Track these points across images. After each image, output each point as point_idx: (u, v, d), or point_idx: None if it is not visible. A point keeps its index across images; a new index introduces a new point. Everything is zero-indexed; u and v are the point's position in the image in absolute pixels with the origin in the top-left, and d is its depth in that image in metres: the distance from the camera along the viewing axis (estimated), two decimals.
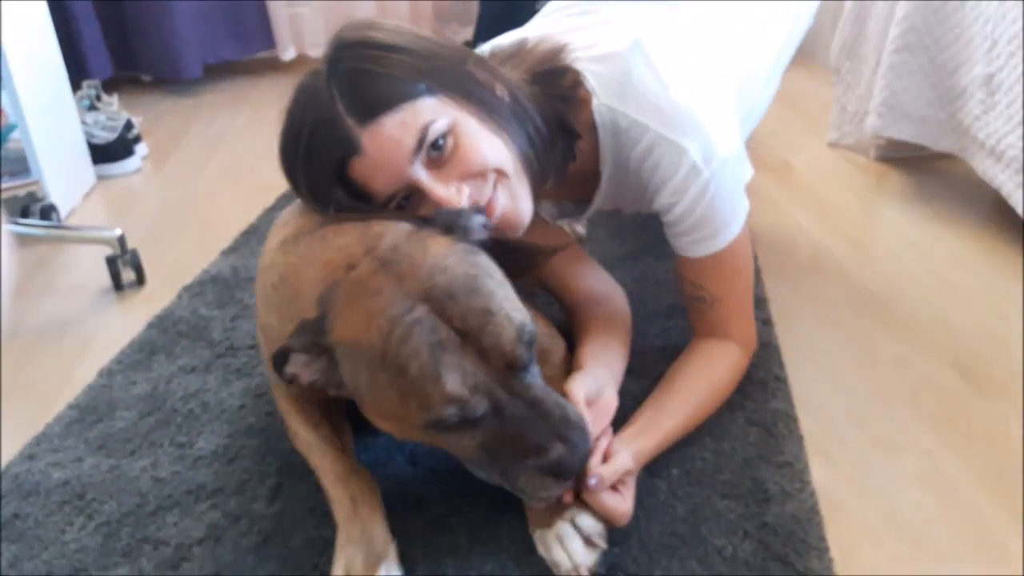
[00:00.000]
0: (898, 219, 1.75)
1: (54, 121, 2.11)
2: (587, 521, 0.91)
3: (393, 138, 0.92)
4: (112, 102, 2.44)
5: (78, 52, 2.87)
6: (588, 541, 0.90)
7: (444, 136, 0.93)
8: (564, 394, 0.94)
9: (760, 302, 1.40)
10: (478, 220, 0.91)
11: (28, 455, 1.17)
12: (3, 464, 1.16)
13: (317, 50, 3.24)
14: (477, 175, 0.96)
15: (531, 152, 1.03)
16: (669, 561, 0.92)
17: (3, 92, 1.93)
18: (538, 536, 0.93)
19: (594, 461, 0.91)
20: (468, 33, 2.78)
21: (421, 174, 0.94)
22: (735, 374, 1.16)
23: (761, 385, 1.19)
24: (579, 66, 1.09)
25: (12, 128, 2.27)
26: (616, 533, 0.95)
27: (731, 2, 1.29)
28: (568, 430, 0.83)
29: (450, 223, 0.89)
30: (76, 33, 2.87)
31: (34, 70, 2.01)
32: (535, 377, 0.86)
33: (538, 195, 1.09)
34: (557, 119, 1.07)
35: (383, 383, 0.81)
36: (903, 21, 1.71)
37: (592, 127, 1.09)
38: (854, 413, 1.16)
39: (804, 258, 1.60)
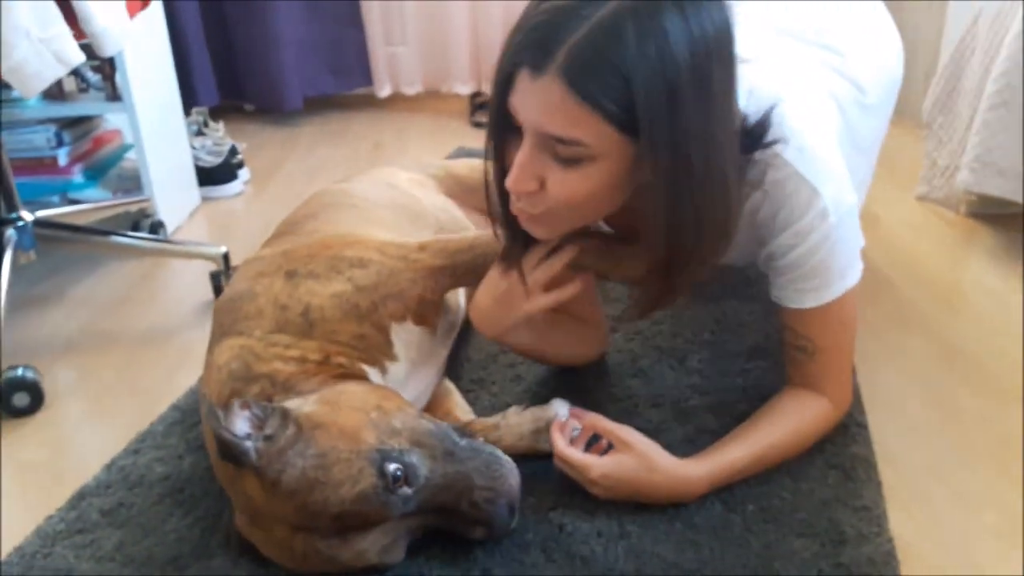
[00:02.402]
0: (986, 275, 1.74)
1: (166, 144, 2.23)
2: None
3: (552, 111, 0.86)
4: (219, 129, 2.56)
5: (188, 81, 3.03)
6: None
7: (576, 159, 0.90)
8: None
9: None
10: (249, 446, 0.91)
11: (134, 450, 1.25)
12: (111, 457, 1.24)
13: (412, 88, 3.36)
14: (547, 200, 0.94)
15: (677, 239, 0.95)
16: None
17: (124, 114, 2.07)
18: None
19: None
20: None
21: (532, 143, 0.91)
22: (820, 427, 1.14)
23: (842, 429, 1.19)
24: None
25: (128, 148, 2.42)
26: (691, 562, 0.97)
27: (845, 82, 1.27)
28: (478, 497, 0.94)
29: (238, 459, 0.91)
30: (188, 63, 3.04)
31: (152, 96, 2.14)
32: (420, 468, 0.93)
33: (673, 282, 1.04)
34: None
35: None
36: (1001, 78, 1.70)
37: None
38: (934, 465, 1.15)
39: (889, 309, 1.60)
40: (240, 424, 0.92)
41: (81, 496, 1.15)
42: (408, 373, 1.16)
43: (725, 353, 1.40)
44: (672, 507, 1.05)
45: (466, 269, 1.18)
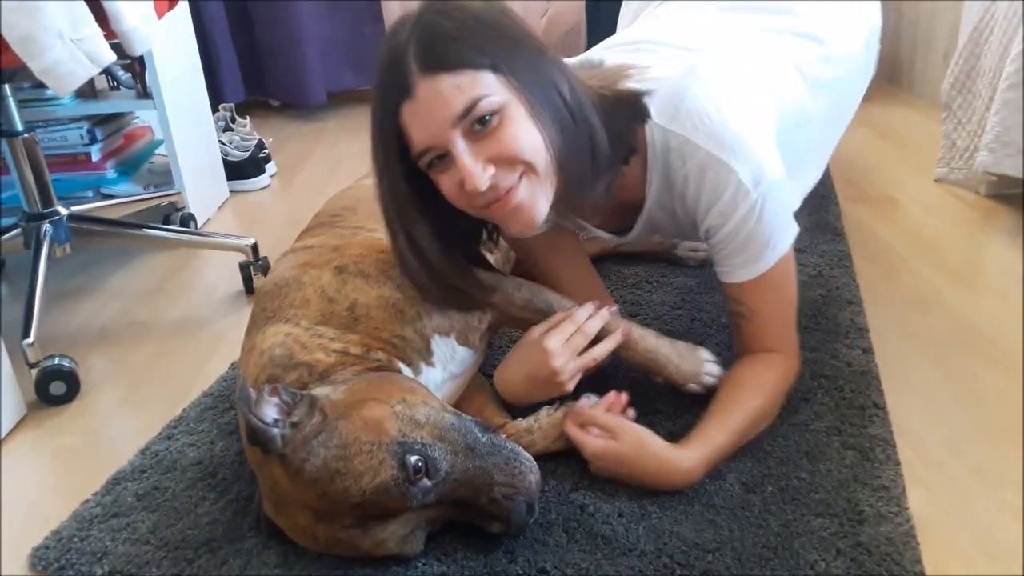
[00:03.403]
0: (1007, 255, 1.73)
1: (195, 139, 2.28)
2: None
3: (444, 97, 0.95)
4: (246, 124, 2.60)
5: (216, 78, 3.09)
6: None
7: (491, 113, 0.96)
8: None
9: (860, 331, 1.41)
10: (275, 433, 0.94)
11: (167, 436, 1.29)
12: (145, 443, 1.28)
13: None
14: (508, 161, 0.99)
15: (572, 160, 1.04)
16: (761, 571, 0.95)
17: (153, 111, 2.11)
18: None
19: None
20: None
21: (458, 141, 0.97)
22: (782, 380, 1.18)
23: (859, 411, 1.20)
24: (636, 88, 1.11)
25: (158, 144, 2.47)
26: (711, 541, 0.99)
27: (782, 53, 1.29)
28: (497, 492, 0.95)
29: (264, 445, 0.94)
30: (215, 60, 3.09)
31: (181, 93, 2.19)
32: (441, 461, 0.94)
33: (574, 209, 1.15)
34: (619, 136, 1.10)
35: None
36: (1019, 57, 1.69)
37: (642, 148, 1.13)
38: (954, 444, 1.16)
39: (906, 290, 1.60)
40: (268, 410, 0.94)
41: (116, 481, 1.19)
42: (443, 380, 1.18)
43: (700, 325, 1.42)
44: (691, 488, 1.07)
45: (519, 321, 1.23)
